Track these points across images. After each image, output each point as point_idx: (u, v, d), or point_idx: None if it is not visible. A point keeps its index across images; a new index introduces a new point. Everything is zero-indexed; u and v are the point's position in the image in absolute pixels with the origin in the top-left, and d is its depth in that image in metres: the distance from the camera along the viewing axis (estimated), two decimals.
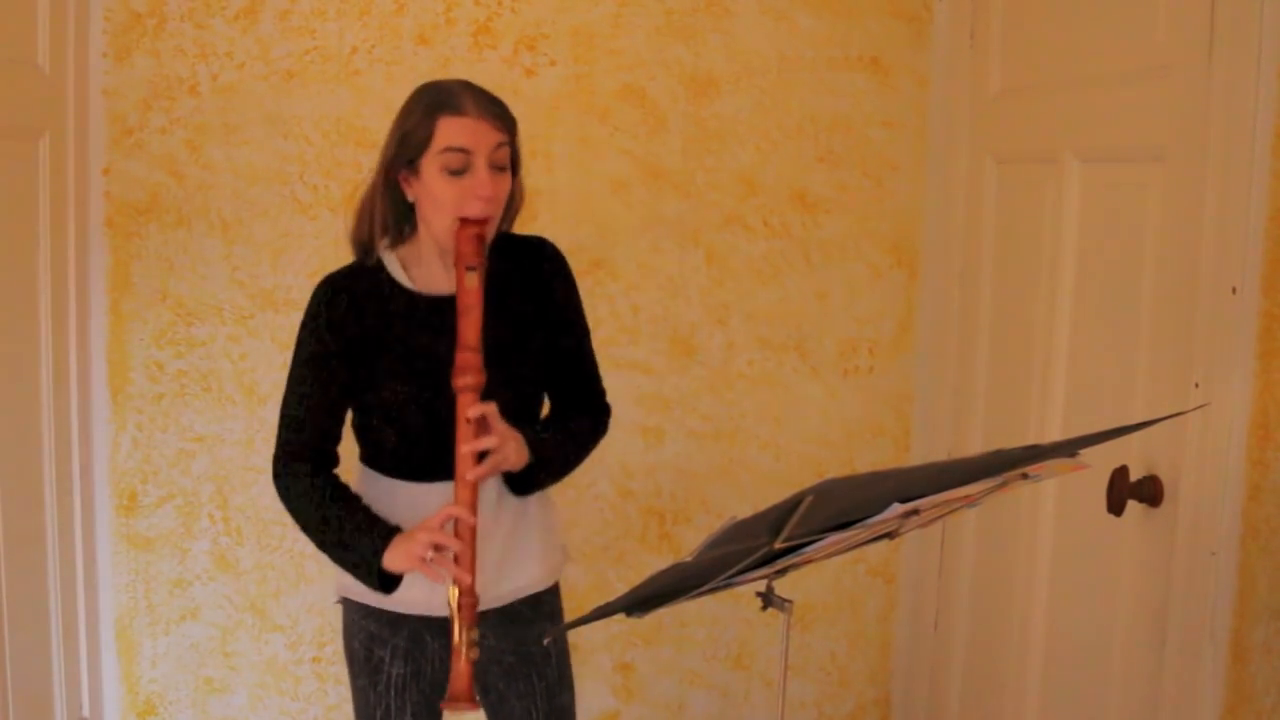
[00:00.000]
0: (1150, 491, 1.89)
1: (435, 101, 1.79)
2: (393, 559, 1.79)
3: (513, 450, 1.81)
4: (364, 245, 1.90)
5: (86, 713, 2.71)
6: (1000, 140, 2.54)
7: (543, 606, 2.02)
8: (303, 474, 1.89)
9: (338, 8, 2.67)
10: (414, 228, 1.89)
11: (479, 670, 1.99)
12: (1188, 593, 1.81)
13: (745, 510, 1.31)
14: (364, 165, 2.69)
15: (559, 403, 2.02)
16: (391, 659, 1.95)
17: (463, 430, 1.76)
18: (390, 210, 1.86)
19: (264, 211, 2.70)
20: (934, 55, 2.81)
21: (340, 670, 2.82)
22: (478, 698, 1.80)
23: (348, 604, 2.01)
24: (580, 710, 2.87)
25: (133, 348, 2.71)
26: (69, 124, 2.56)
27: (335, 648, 2.82)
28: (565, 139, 2.73)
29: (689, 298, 2.82)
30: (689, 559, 1.34)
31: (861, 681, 3.02)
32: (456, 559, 1.75)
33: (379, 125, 2.69)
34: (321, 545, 1.88)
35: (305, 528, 1.90)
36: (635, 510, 2.87)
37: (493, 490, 1.89)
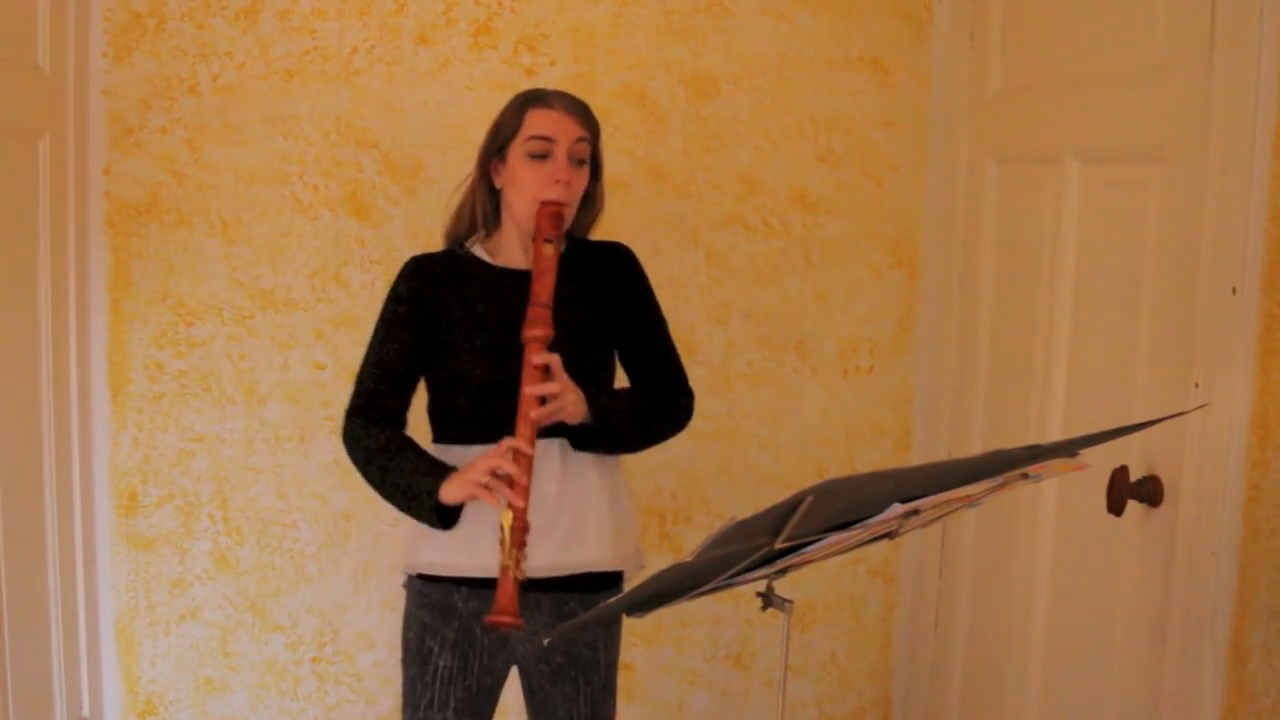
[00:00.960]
0: (1150, 491, 1.89)
1: (527, 97, 2.00)
2: (451, 490, 1.85)
3: (572, 401, 1.89)
4: (458, 240, 2.06)
5: (86, 713, 2.71)
6: (1000, 140, 2.54)
7: (595, 590, 2.04)
8: (368, 428, 1.97)
9: (338, 8, 2.67)
10: (499, 221, 2.04)
11: (526, 667, 2.05)
12: (1188, 593, 1.81)
13: (745, 510, 1.31)
14: (364, 165, 2.70)
15: (640, 387, 2.12)
16: (440, 650, 1.99)
17: (529, 375, 1.86)
18: (485, 201, 2.01)
19: (264, 211, 2.70)
20: (934, 55, 2.81)
21: (340, 670, 2.82)
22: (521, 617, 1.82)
23: (409, 592, 2.06)
24: None
25: (133, 348, 2.71)
26: (69, 124, 2.56)
27: (335, 648, 2.82)
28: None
29: (689, 298, 2.82)
30: (689, 559, 1.34)
31: (861, 681, 3.02)
32: (512, 484, 1.81)
33: (379, 125, 2.70)
34: (386, 495, 1.95)
35: (370, 480, 1.97)
36: (635, 510, 2.86)
37: (558, 461, 1.96)
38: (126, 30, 2.63)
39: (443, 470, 1.89)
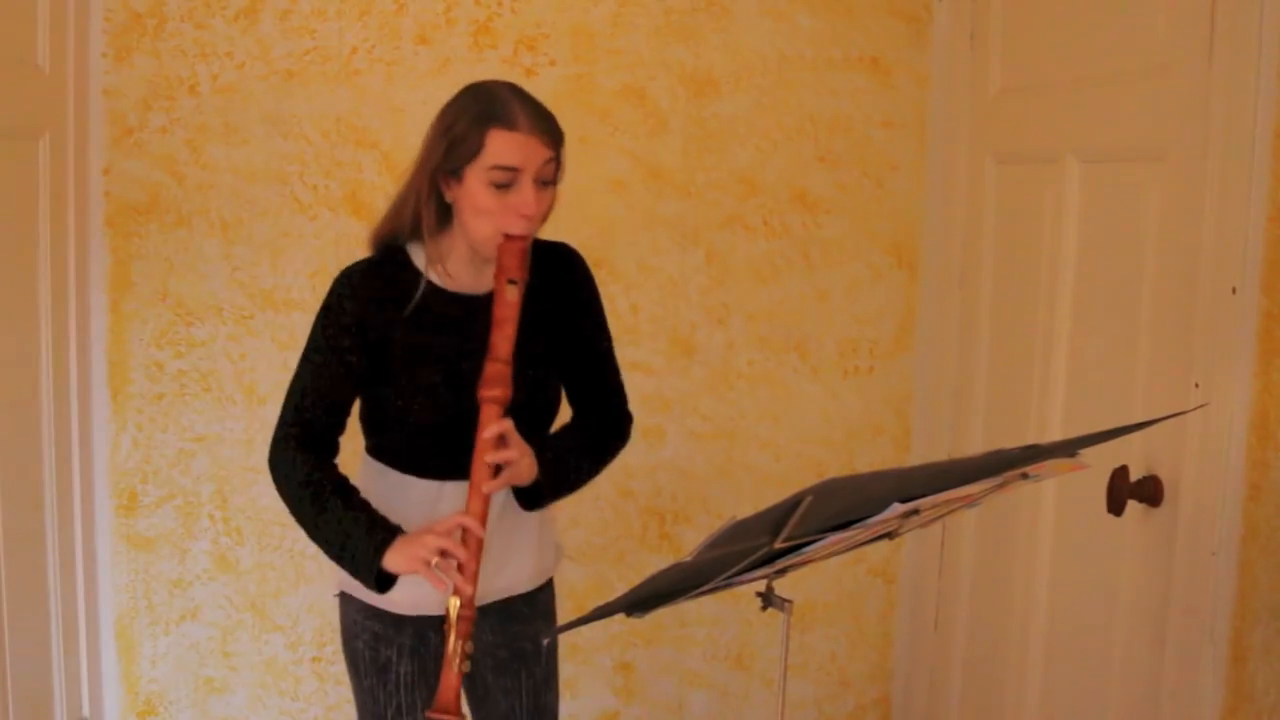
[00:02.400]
0: (1150, 491, 1.89)
1: (486, 111, 1.76)
2: (395, 560, 1.75)
3: (525, 467, 1.80)
4: (388, 241, 1.88)
5: (86, 713, 2.71)
6: (1000, 140, 2.54)
7: (539, 605, 2.02)
8: (302, 462, 1.84)
9: (338, 8, 2.67)
10: (447, 224, 1.85)
11: (476, 659, 2.00)
12: (1188, 593, 1.81)
13: (745, 510, 1.31)
14: (364, 165, 2.70)
15: (580, 409, 2.02)
16: (399, 657, 1.95)
17: (483, 442, 1.75)
18: (432, 214, 1.82)
19: (264, 211, 2.70)
20: (934, 55, 2.81)
21: (341, 670, 2.82)
22: (464, 710, 1.77)
23: (347, 603, 2.00)
24: (580, 710, 2.89)
25: (133, 348, 2.71)
26: (69, 124, 2.56)
27: (335, 648, 2.82)
28: (566, 139, 2.73)
29: (689, 298, 2.82)
30: (689, 559, 1.34)
31: (861, 681, 3.02)
32: (461, 568, 1.72)
33: (379, 125, 2.70)
34: (315, 537, 1.84)
35: (299, 517, 1.85)
36: (635, 510, 2.87)
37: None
38: (126, 30, 2.63)
39: (386, 534, 1.76)
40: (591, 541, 2.85)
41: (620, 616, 1.46)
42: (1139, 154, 1.99)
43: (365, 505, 1.83)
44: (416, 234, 1.86)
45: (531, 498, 1.87)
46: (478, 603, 1.85)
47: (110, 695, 2.79)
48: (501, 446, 1.76)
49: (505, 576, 1.94)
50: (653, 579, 1.39)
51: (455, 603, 1.72)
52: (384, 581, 1.80)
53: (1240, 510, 1.74)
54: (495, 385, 1.75)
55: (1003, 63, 2.53)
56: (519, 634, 2.00)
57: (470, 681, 2.03)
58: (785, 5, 2.77)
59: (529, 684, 2.01)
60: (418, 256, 1.88)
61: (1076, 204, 2.19)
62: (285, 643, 2.82)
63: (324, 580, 2.79)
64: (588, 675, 2.89)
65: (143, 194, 2.68)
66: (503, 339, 1.76)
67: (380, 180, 2.71)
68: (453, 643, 1.71)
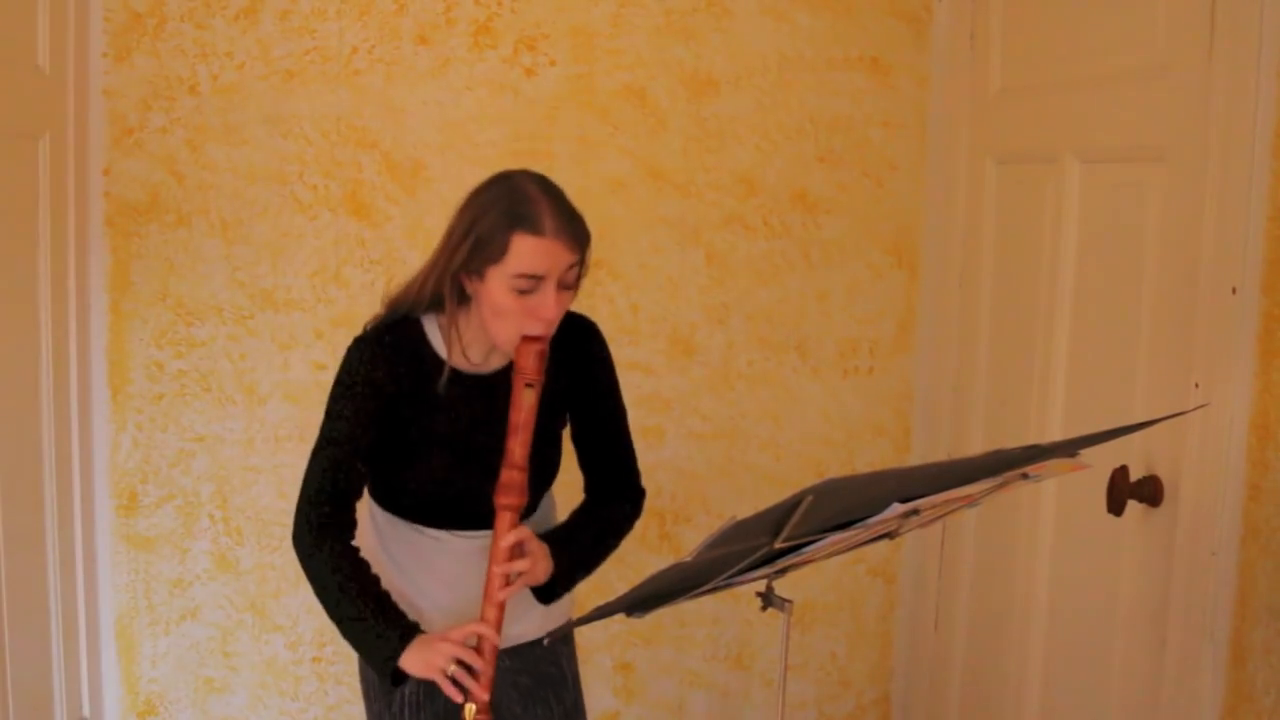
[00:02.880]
0: (1150, 491, 1.89)
1: (513, 213, 1.71)
2: (411, 663, 1.76)
3: (541, 570, 1.82)
4: (402, 309, 1.85)
5: (86, 713, 2.71)
6: (1000, 140, 2.54)
7: (553, 626, 2.00)
8: (328, 541, 1.83)
9: (338, 8, 2.67)
10: (465, 305, 1.83)
11: (494, 691, 2.00)
12: (1188, 593, 1.81)
13: (745, 510, 1.31)
14: (364, 165, 2.70)
15: (594, 485, 2.02)
16: (406, 679, 1.94)
17: (498, 550, 1.76)
18: (451, 305, 1.79)
19: (264, 211, 2.70)
20: (934, 55, 2.81)
21: (340, 670, 2.82)
22: None
23: None
24: None
25: (133, 348, 2.71)
26: (69, 124, 2.56)
27: (335, 648, 2.82)
28: (565, 139, 2.74)
29: (689, 298, 2.82)
30: (689, 559, 1.34)
31: (861, 681, 3.02)
32: (476, 676, 1.74)
33: (379, 125, 2.70)
34: (335, 620, 1.85)
35: (322, 598, 1.86)
36: None
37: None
38: (126, 30, 2.63)
39: (404, 632, 1.77)
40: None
41: (620, 616, 1.46)
42: (1139, 154, 1.99)
43: (385, 598, 1.83)
44: (432, 309, 1.85)
45: (548, 593, 1.89)
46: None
47: (110, 695, 2.79)
48: (517, 555, 1.78)
49: (518, 625, 1.94)
50: (653, 579, 1.39)
51: (471, 709, 1.75)
52: (398, 679, 1.80)
53: (1240, 510, 1.74)
54: (511, 493, 1.76)
55: (1003, 63, 2.53)
56: (538, 658, 2.00)
57: (497, 714, 2.02)
58: (785, 5, 2.77)
59: (560, 711, 2.01)
60: (431, 330, 1.86)
61: (1076, 204, 2.19)
62: (285, 643, 2.82)
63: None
64: (588, 675, 2.88)
65: (143, 194, 2.68)
66: (519, 445, 1.76)
67: (380, 180, 2.71)
68: None
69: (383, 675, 1.79)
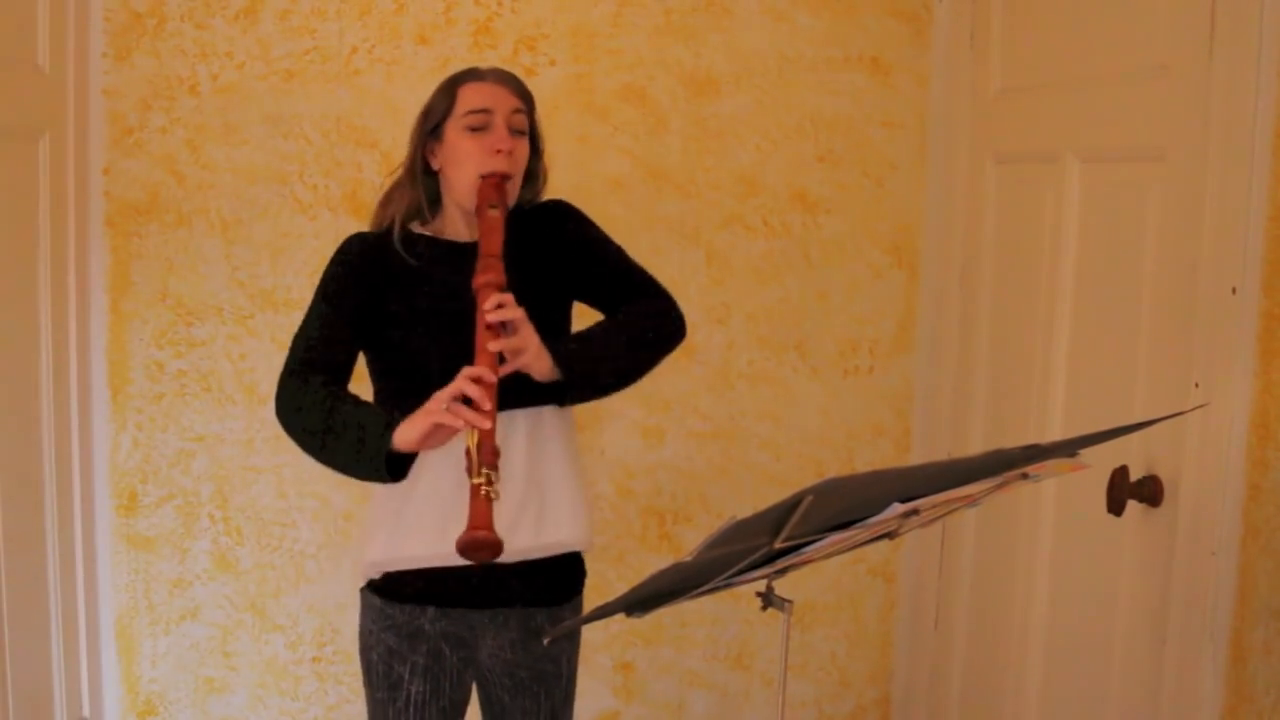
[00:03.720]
0: (1150, 491, 1.89)
1: (456, 76, 1.95)
2: (406, 431, 1.70)
3: (532, 341, 1.78)
4: (385, 227, 1.97)
5: (86, 713, 2.71)
6: (1000, 140, 2.54)
7: (560, 624, 2.00)
8: (312, 381, 1.83)
9: (338, 8, 2.67)
10: (439, 205, 1.97)
11: (488, 681, 2.01)
12: (1188, 593, 1.81)
13: (745, 510, 1.31)
14: (364, 165, 2.70)
15: (611, 309, 2.02)
16: (411, 676, 1.94)
17: (482, 313, 1.74)
18: (420, 187, 1.95)
19: (264, 211, 2.70)
20: (934, 55, 2.81)
21: (341, 670, 2.82)
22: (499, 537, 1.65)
23: (366, 608, 1.99)
24: (580, 710, 2.87)
25: (133, 348, 2.71)
26: (69, 124, 2.56)
27: (335, 648, 2.82)
28: (565, 139, 2.73)
29: (689, 298, 2.81)
30: (689, 559, 1.34)
31: (861, 681, 3.02)
32: (474, 406, 1.66)
33: (379, 125, 2.70)
34: (322, 446, 1.79)
35: (310, 432, 1.80)
36: (635, 510, 2.87)
37: (523, 436, 1.88)
38: (126, 30, 2.63)
39: (393, 419, 1.73)
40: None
41: (620, 616, 1.46)
42: (1139, 154, 1.99)
43: (370, 404, 1.83)
44: (407, 220, 1.96)
45: (560, 392, 1.86)
46: (527, 556, 1.88)
47: (110, 695, 2.79)
48: (502, 312, 1.75)
49: (548, 532, 1.91)
50: (653, 579, 1.39)
51: (474, 436, 1.65)
52: (396, 466, 1.74)
53: (1240, 510, 1.74)
54: (487, 272, 1.77)
55: (1003, 63, 2.53)
56: (541, 655, 1.99)
57: (487, 701, 2.04)
58: (785, 5, 2.77)
59: (547, 706, 2.01)
60: (412, 226, 1.98)
61: (1076, 204, 2.19)
62: (285, 643, 2.82)
63: (324, 580, 2.80)
64: (588, 675, 2.88)
65: (143, 194, 2.68)
66: (491, 243, 1.81)
67: (380, 180, 2.70)
68: (477, 470, 1.63)
69: (378, 466, 1.72)
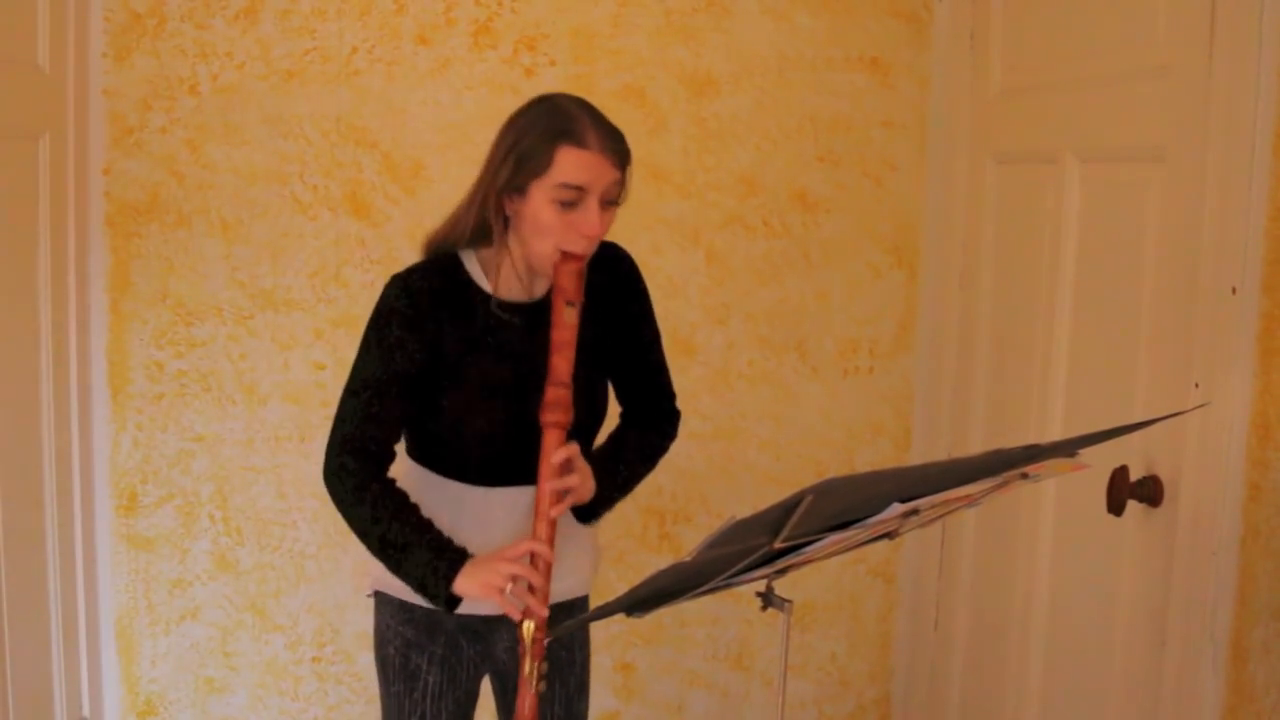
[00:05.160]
0: (1150, 491, 1.89)
1: (556, 128, 1.73)
2: (466, 585, 1.74)
3: (587, 489, 1.82)
4: (443, 248, 1.87)
5: (86, 713, 2.71)
6: (1000, 140, 2.54)
7: (572, 613, 2.00)
8: (368, 475, 1.81)
9: (338, 8, 2.67)
10: (502, 234, 1.82)
11: (503, 674, 2.02)
12: (1188, 593, 1.81)
13: (745, 510, 1.31)
14: (364, 165, 2.70)
15: (631, 410, 2.03)
16: (429, 667, 1.94)
17: (548, 467, 1.75)
18: (497, 228, 1.80)
19: (264, 211, 2.70)
20: (934, 55, 2.81)
21: (340, 670, 2.82)
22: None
23: (382, 607, 1.99)
24: None
25: (133, 348, 2.71)
26: (69, 124, 2.56)
27: (335, 648, 2.82)
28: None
29: (689, 298, 2.82)
30: (689, 559, 1.34)
31: (861, 681, 3.02)
32: (534, 591, 1.72)
33: (379, 125, 2.70)
34: (380, 553, 1.81)
35: (362, 532, 1.82)
36: (635, 510, 2.87)
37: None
38: (126, 30, 2.63)
39: (455, 557, 1.76)
40: (600, 556, 2.85)
41: (620, 616, 1.46)
42: (1139, 154, 1.99)
43: (429, 526, 1.81)
44: (472, 243, 1.85)
45: (589, 513, 1.90)
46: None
47: (110, 695, 2.79)
48: (566, 471, 1.77)
49: (564, 580, 1.93)
50: (653, 579, 1.39)
51: (530, 626, 1.73)
52: (454, 602, 1.79)
53: (1240, 510, 1.74)
54: (558, 410, 1.75)
55: (1003, 63, 2.53)
56: (554, 644, 1.98)
57: (502, 693, 2.04)
58: (785, 5, 2.77)
59: (562, 693, 2.01)
60: (470, 264, 1.86)
61: (1076, 204, 2.19)
62: (285, 643, 2.82)
63: (324, 580, 2.80)
64: None
65: (143, 194, 2.68)
66: (563, 361, 1.76)
67: (380, 180, 2.71)
68: (529, 665, 1.72)
69: (437, 600, 1.77)
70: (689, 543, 2.83)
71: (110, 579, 2.76)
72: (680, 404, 2.84)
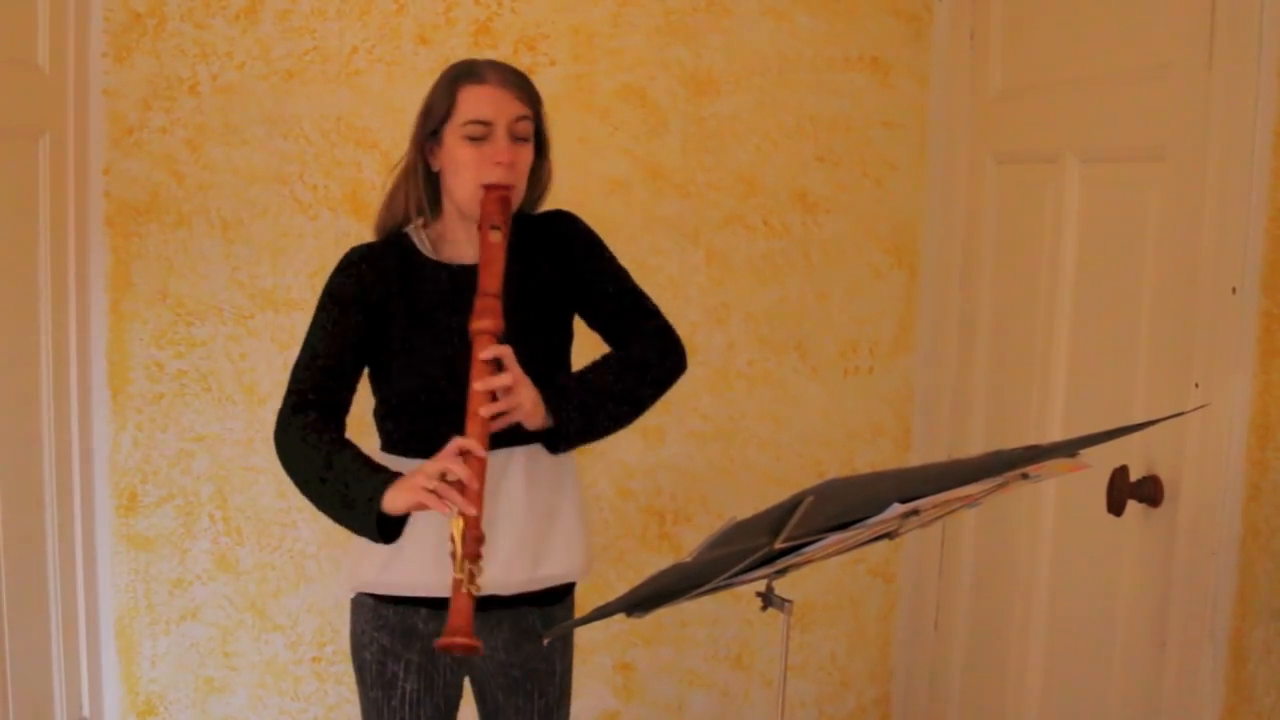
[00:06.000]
0: (1150, 491, 1.89)
1: (458, 74, 1.85)
2: (394, 497, 1.69)
3: (528, 399, 1.77)
4: (394, 229, 1.93)
5: (86, 713, 2.71)
6: (1000, 140, 2.54)
7: (554, 624, 2.00)
8: (307, 424, 1.82)
9: (338, 8, 2.67)
10: (440, 208, 1.92)
11: (482, 679, 2.01)
12: (1188, 593, 1.81)
13: (745, 510, 1.31)
14: (364, 165, 2.70)
15: (615, 344, 2.00)
16: (405, 674, 1.93)
17: (477, 369, 1.73)
18: (421, 187, 1.88)
19: (264, 211, 2.70)
20: (934, 55, 2.81)
21: (341, 670, 2.82)
22: (478, 639, 1.64)
23: (357, 610, 1.98)
24: (580, 710, 2.89)
25: (133, 348, 2.71)
26: (69, 124, 2.56)
27: (335, 648, 2.82)
28: (565, 139, 2.72)
29: (689, 298, 2.82)
30: (689, 559, 1.34)
31: (861, 681, 3.02)
32: (463, 489, 1.65)
33: (379, 125, 2.70)
34: (319, 497, 1.79)
35: (304, 480, 1.80)
36: (635, 510, 2.87)
37: (522, 472, 1.87)
38: (126, 30, 2.63)
39: (386, 476, 1.72)
40: (592, 541, 2.85)
41: (620, 616, 1.46)
42: (1139, 154, 1.99)
43: (367, 459, 1.78)
44: (412, 218, 1.91)
45: (552, 440, 1.84)
46: (524, 589, 1.88)
47: (110, 695, 2.79)
48: (497, 373, 1.73)
49: (548, 565, 1.91)
50: (653, 579, 1.39)
51: (460, 524, 1.64)
52: (387, 529, 1.73)
53: (1240, 510, 1.74)
54: (485, 317, 1.74)
55: (1003, 63, 2.53)
56: (533, 654, 1.98)
57: (481, 699, 2.03)
58: (785, 5, 2.77)
59: (541, 704, 2.00)
60: (419, 237, 1.92)
61: (1076, 204, 2.19)
62: (285, 643, 2.82)
63: (324, 580, 2.80)
64: (588, 675, 2.89)
65: (143, 194, 2.68)
66: (490, 276, 1.77)
67: (380, 180, 2.70)
68: (459, 564, 1.63)
69: (370, 529, 1.71)
70: (689, 543, 2.83)
71: (110, 579, 2.76)
72: (680, 404, 2.86)
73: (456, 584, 1.62)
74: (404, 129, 2.67)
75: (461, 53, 2.69)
